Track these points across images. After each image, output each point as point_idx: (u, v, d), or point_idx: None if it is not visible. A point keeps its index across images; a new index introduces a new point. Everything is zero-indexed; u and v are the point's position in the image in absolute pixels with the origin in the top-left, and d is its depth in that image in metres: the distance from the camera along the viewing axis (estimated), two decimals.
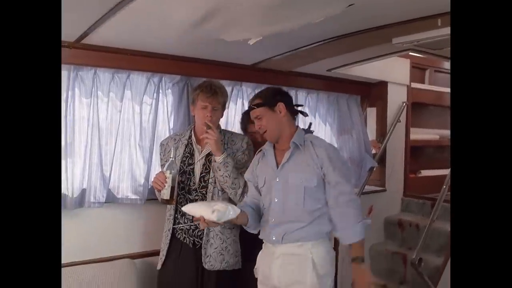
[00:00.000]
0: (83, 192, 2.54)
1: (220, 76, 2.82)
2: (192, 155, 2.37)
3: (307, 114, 2.36)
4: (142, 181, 2.74)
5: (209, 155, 2.32)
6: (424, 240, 2.99)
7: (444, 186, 3.15)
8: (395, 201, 4.19)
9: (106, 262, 2.55)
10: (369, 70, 3.61)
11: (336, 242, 2.20)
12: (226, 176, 2.24)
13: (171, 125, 2.86)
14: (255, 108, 2.08)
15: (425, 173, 4.75)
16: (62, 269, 2.32)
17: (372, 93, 4.04)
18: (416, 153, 4.60)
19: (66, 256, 2.28)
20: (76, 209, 2.51)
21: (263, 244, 2.11)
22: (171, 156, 2.25)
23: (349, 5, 1.86)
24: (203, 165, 2.34)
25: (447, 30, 2.03)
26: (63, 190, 2.45)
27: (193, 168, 2.35)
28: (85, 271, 2.44)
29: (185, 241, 2.33)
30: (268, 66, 3.05)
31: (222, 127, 2.52)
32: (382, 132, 4.05)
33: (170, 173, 2.19)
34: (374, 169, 3.91)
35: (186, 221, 2.31)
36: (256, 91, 2.72)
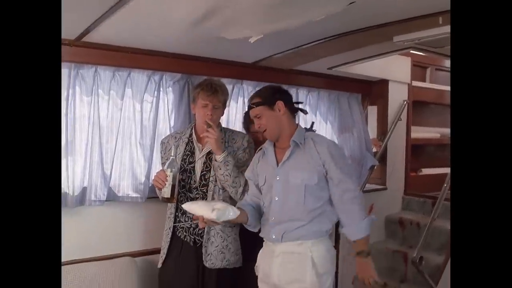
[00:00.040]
0: (84, 190, 2.54)
1: (221, 74, 2.82)
2: (192, 153, 2.37)
3: (307, 112, 2.35)
4: (142, 179, 2.74)
5: (209, 153, 2.32)
6: (425, 238, 2.98)
7: (445, 185, 3.15)
8: (396, 199, 4.19)
9: (106, 260, 2.55)
10: (370, 68, 3.60)
11: (337, 241, 2.21)
12: (227, 175, 2.24)
13: (172, 123, 2.86)
14: (254, 107, 2.08)
15: (426, 171, 4.74)
16: (63, 267, 2.32)
17: (373, 91, 4.03)
18: (417, 152, 4.59)
19: (67, 254, 2.30)
20: (77, 207, 2.51)
21: (263, 242, 2.11)
22: (172, 155, 2.25)
23: (350, 3, 1.86)
24: (204, 163, 2.34)
25: (448, 28, 2.02)
26: (64, 188, 2.45)
27: (194, 167, 2.35)
28: (86, 269, 2.44)
29: (185, 239, 2.33)
30: (269, 64, 3.05)
31: (223, 125, 2.52)
32: (383, 130, 4.05)
33: (171, 171, 2.19)
34: (375, 167, 3.91)
35: (187, 219, 2.31)
36: (257, 89, 2.72)
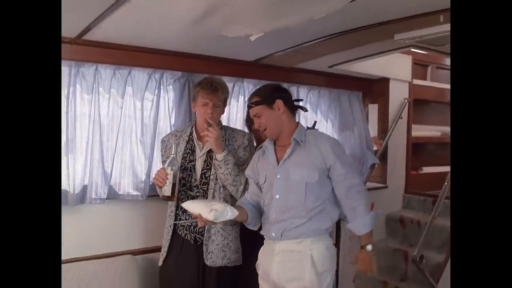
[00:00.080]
0: (84, 188, 2.55)
1: (222, 72, 2.82)
2: (193, 151, 2.37)
3: (307, 109, 2.35)
4: (143, 177, 2.74)
5: (210, 151, 2.32)
6: (425, 237, 2.98)
7: (446, 183, 3.15)
8: (397, 198, 4.18)
9: (107, 258, 2.56)
10: (370, 67, 3.60)
11: (338, 239, 2.21)
12: (227, 174, 2.23)
13: (173, 121, 2.86)
14: (253, 107, 2.08)
15: (427, 170, 4.74)
16: (64, 265, 2.33)
17: (374, 89, 4.03)
18: (418, 150, 4.59)
19: (67, 252, 2.30)
20: (77, 205, 2.51)
21: (264, 240, 2.11)
22: (172, 153, 2.25)
23: (351, 1, 1.85)
24: (204, 161, 2.34)
25: (449, 26, 2.02)
26: (65, 186, 2.45)
27: (194, 165, 2.35)
28: (86, 267, 2.45)
29: (186, 237, 2.33)
30: (270, 62, 3.05)
31: (224, 123, 2.52)
32: (384, 128, 4.04)
33: (171, 169, 2.19)
34: (376, 165, 3.90)
35: (187, 217, 2.31)
36: (257, 88, 2.72)
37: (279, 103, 2.06)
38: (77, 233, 2.50)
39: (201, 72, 2.75)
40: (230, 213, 1.88)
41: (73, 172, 2.49)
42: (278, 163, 2.05)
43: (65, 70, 2.43)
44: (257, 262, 2.13)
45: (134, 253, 2.68)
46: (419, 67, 4.80)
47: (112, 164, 2.63)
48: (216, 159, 2.25)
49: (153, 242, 2.69)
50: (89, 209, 2.58)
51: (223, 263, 2.29)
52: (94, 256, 2.54)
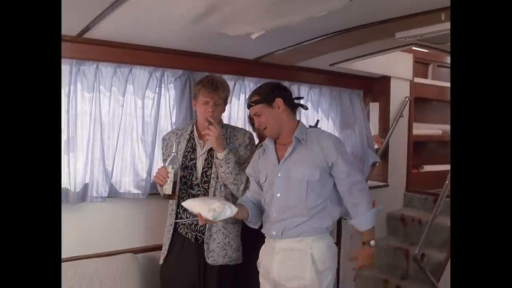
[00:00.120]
0: (85, 186, 2.55)
1: (223, 70, 2.82)
2: (194, 150, 2.37)
3: (307, 107, 2.35)
4: (144, 175, 2.74)
5: (211, 150, 2.31)
6: (426, 235, 2.98)
7: (447, 182, 3.14)
8: (398, 196, 4.18)
9: (108, 256, 2.56)
10: (372, 65, 3.60)
11: (339, 237, 2.21)
12: (228, 173, 2.23)
13: (173, 120, 2.86)
14: (253, 105, 2.08)
15: (428, 168, 4.74)
16: (65, 263, 2.33)
17: (375, 88, 4.02)
18: (419, 148, 4.58)
19: (68, 251, 2.31)
20: (78, 204, 2.52)
21: (265, 239, 2.11)
22: (173, 151, 2.25)
23: None
24: (205, 160, 2.33)
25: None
26: (66, 184, 2.45)
27: (195, 163, 2.34)
28: (87, 265, 2.45)
29: (187, 236, 2.33)
30: (271, 60, 3.05)
31: (225, 122, 2.51)
32: (385, 127, 4.04)
33: (172, 168, 2.18)
34: (377, 164, 3.90)
35: (188, 216, 2.30)
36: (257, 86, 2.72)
37: (278, 101, 2.05)
38: (78, 232, 2.51)
39: (202, 71, 2.75)
40: (229, 211, 1.89)
41: (74, 171, 2.50)
42: (279, 162, 2.05)
43: (66, 68, 2.43)
44: (258, 261, 2.13)
45: (135, 251, 2.68)
46: (420, 66, 4.80)
47: (113, 162, 2.63)
48: (217, 158, 2.24)
49: (154, 240, 2.69)
50: (90, 208, 2.58)
51: (224, 262, 2.29)
52: (95, 254, 2.54)
